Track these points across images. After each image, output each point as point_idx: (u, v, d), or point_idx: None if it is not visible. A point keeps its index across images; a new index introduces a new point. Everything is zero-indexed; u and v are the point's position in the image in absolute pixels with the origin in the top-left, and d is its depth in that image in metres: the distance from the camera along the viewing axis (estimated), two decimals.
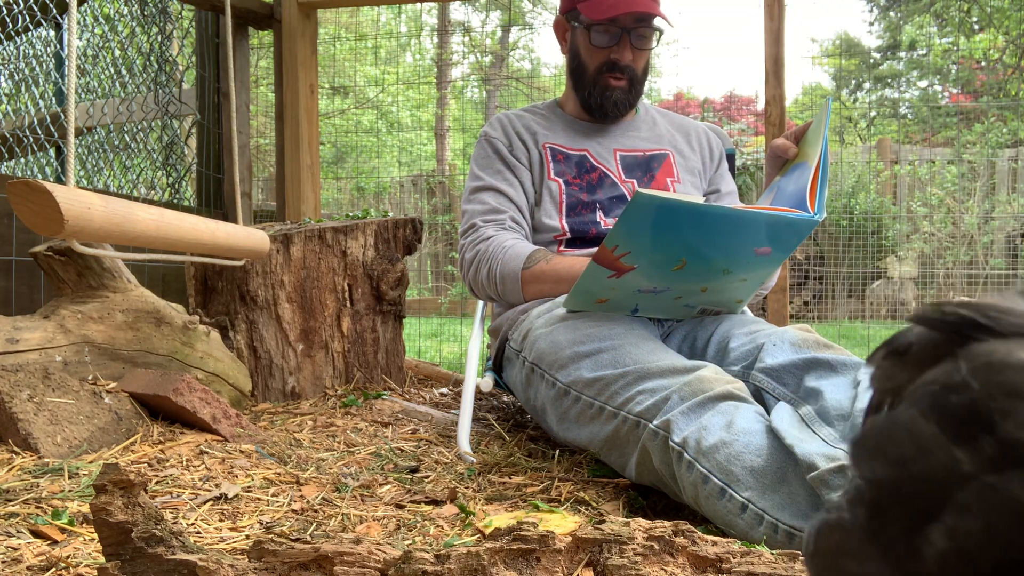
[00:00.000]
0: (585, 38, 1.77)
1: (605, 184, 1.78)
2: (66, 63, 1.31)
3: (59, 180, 2.92)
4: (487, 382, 1.73)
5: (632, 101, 1.84)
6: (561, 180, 1.78)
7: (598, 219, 1.74)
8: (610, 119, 1.85)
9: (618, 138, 1.86)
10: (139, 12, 3.05)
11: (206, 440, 1.44)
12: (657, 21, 1.75)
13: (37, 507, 1.04)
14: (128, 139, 3.14)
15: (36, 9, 2.64)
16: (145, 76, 3.05)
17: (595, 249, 1.37)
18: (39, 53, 3.12)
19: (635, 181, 1.79)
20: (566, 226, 1.74)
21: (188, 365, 1.70)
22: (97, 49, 3.18)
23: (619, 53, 1.76)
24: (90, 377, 1.52)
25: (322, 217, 2.53)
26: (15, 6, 2.64)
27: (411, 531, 1.09)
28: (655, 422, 1.20)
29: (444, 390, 2.37)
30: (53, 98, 3.14)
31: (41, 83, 3.14)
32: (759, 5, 2.63)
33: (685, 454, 1.13)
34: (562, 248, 1.75)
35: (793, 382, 1.25)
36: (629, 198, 1.76)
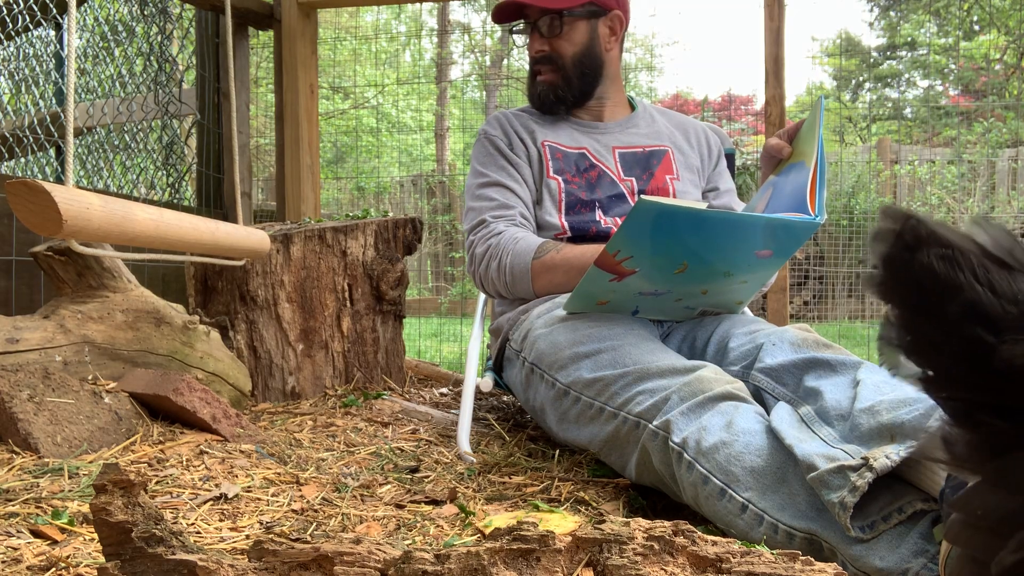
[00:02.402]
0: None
1: (604, 183, 1.78)
2: (66, 63, 1.31)
3: (59, 180, 2.92)
4: (487, 382, 1.73)
5: (569, 94, 1.83)
6: (560, 178, 1.78)
7: (598, 218, 1.74)
8: (547, 110, 1.87)
9: (617, 135, 1.86)
10: (139, 12, 3.05)
11: (206, 440, 1.44)
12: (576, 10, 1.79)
13: (37, 507, 1.04)
14: (128, 139, 3.13)
15: (36, 9, 2.64)
16: (145, 76, 3.05)
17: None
18: (39, 53, 3.12)
19: (634, 179, 1.79)
20: (566, 224, 1.74)
21: (188, 365, 1.70)
22: (97, 49, 3.18)
23: (530, 47, 1.82)
24: (90, 377, 1.52)
25: (322, 217, 2.53)
26: (15, 6, 2.64)
27: (411, 531, 1.09)
28: (655, 422, 1.20)
29: (444, 390, 2.37)
30: (53, 98, 3.14)
31: (41, 83, 3.14)
32: (759, 5, 2.63)
33: (685, 454, 1.13)
34: None
35: (793, 382, 1.25)
36: (628, 196, 1.77)
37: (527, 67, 1.90)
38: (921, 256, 0.43)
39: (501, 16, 1.83)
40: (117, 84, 3.15)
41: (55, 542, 0.94)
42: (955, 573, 0.47)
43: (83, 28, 3.14)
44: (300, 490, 1.24)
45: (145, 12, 3.00)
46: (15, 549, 0.90)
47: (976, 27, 10.76)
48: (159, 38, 2.93)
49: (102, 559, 0.73)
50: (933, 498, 0.95)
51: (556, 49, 1.79)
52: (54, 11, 2.76)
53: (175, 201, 2.94)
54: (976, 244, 0.43)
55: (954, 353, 0.43)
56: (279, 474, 1.31)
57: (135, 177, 3.21)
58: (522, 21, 1.83)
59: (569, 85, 1.81)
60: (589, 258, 1.55)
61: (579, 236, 1.73)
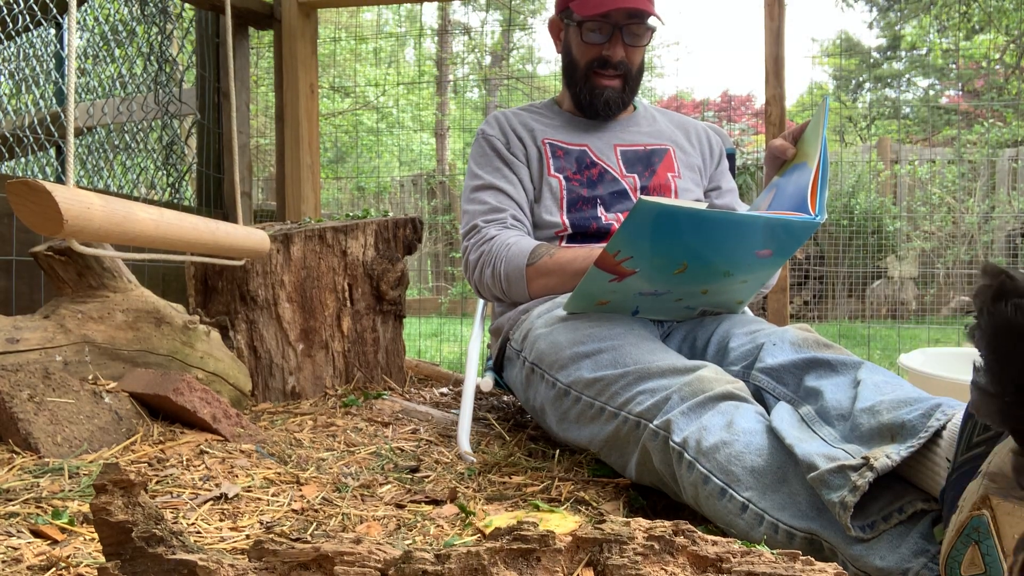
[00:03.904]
0: (578, 35, 1.77)
1: (606, 179, 1.78)
2: (66, 63, 1.31)
3: (59, 180, 2.92)
4: (487, 382, 1.73)
5: (626, 100, 1.84)
6: (561, 176, 1.78)
7: (599, 214, 1.74)
8: (601, 118, 1.85)
9: (618, 133, 1.86)
10: (139, 12, 3.05)
11: (206, 440, 1.44)
12: (651, 19, 1.75)
13: (37, 507, 1.04)
14: (128, 139, 3.13)
15: (36, 9, 2.64)
16: (145, 76, 3.05)
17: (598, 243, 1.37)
18: (39, 53, 3.12)
19: (636, 176, 1.79)
20: (567, 221, 1.74)
21: (188, 365, 1.70)
22: (97, 49, 3.18)
23: (611, 50, 1.76)
24: (90, 377, 1.52)
25: (322, 217, 2.53)
26: (15, 6, 2.64)
27: (411, 531, 1.09)
28: (655, 422, 1.20)
29: (444, 390, 2.37)
30: (53, 98, 3.14)
31: (41, 83, 3.14)
32: (759, 5, 2.62)
33: (685, 454, 1.13)
34: (563, 244, 1.75)
35: (793, 382, 1.25)
36: (630, 192, 1.77)
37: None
38: (1001, 306, 0.50)
39: (600, 7, 1.71)
40: (117, 84, 3.15)
41: (55, 542, 0.94)
42: None
43: (83, 28, 3.14)
44: (300, 490, 1.24)
45: (145, 12, 3.00)
46: (15, 549, 0.90)
47: (976, 27, 10.75)
48: (159, 38, 2.93)
49: (102, 559, 0.73)
50: (934, 498, 0.95)
51: (631, 57, 1.78)
52: (54, 11, 2.75)
53: (175, 201, 2.94)
54: None
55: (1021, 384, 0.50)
56: (279, 474, 1.31)
57: (135, 177, 3.21)
58: (607, 23, 1.73)
59: (631, 91, 1.84)
60: (582, 261, 1.56)
61: (580, 233, 1.74)
